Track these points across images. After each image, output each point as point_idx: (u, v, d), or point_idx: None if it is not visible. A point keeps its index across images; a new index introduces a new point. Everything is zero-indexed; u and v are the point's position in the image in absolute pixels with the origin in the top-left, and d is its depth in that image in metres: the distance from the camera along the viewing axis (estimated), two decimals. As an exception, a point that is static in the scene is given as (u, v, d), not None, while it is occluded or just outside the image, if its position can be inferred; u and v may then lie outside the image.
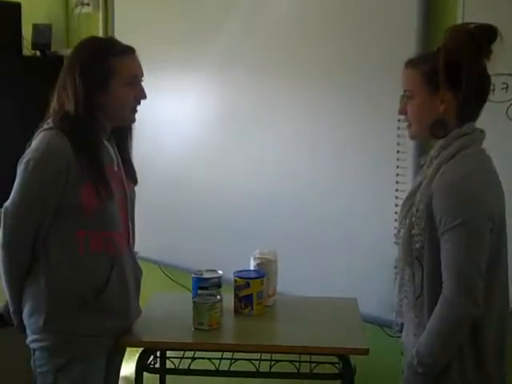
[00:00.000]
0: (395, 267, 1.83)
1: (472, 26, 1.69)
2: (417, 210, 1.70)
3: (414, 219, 1.71)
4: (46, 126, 1.94)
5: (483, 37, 1.66)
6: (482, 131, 1.74)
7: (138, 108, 2.04)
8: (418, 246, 1.70)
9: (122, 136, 2.11)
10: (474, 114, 1.73)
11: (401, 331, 1.88)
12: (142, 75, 2.03)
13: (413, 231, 1.71)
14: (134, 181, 2.16)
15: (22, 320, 1.99)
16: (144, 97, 2.02)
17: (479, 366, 1.67)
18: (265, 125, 2.90)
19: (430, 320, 1.66)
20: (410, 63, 1.77)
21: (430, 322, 1.66)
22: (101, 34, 3.62)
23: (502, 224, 1.69)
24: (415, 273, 1.74)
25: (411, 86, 1.75)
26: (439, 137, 1.72)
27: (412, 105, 1.76)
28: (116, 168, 2.04)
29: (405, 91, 1.78)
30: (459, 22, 2.23)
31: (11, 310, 2.01)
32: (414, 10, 2.35)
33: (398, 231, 1.81)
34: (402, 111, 1.80)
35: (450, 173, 1.66)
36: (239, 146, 3.00)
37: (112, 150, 2.04)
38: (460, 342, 1.65)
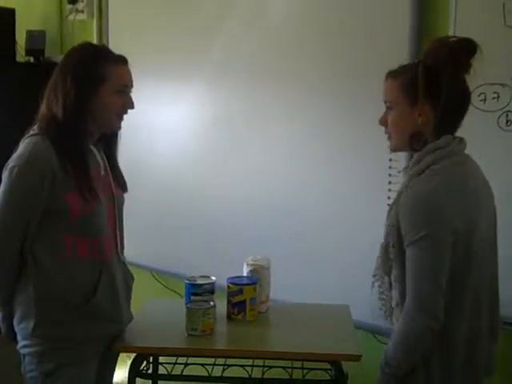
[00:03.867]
0: (374, 275, 1.84)
1: (452, 39, 1.70)
2: (391, 223, 1.73)
3: (388, 230, 1.74)
4: (31, 132, 1.95)
5: (463, 51, 1.67)
6: (460, 141, 1.74)
7: (130, 117, 2.04)
8: (391, 256, 1.73)
9: (109, 143, 2.11)
10: (451, 128, 1.73)
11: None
12: (132, 86, 2.03)
13: (388, 241, 1.74)
14: (124, 188, 2.16)
15: (10, 328, 1.99)
16: (132, 106, 2.03)
17: (446, 371, 1.69)
18: (258, 132, 2.91)
19: (396, 327, 1.70)
20: (391, 74, 1.78)
21: (396, 328, 1.70)
22: (95, 40, 3.62)
23: (469, 237, 1.67)
24: (393, 282, 1.76)
25: (391, 97, 1.77)
26: (417, 150, 1.73)
27: (392, 116, 1.77)
28: (103, 173, 2.04)
29: (385, 102, 1.79)
30: (451, 27, 2.26)
31: (0, 318, 2.01)
32: (407, 19, 2.37)
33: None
34: (382, 122, 1.80)
35: (415, 188, 1.67)
36: (233, 153, 3.01)
37: (99, 156, 2.04)
38: (422, 350, 1.66)
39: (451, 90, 1.66)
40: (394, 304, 1.76)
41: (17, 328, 1.97)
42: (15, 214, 1.89)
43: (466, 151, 1.77)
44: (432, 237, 1.62)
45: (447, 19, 2.30)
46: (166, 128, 3.28)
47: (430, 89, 1.67)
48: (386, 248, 1.75)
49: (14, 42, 3.69)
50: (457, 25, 2.25)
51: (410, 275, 1.66)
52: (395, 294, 1.75)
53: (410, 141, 1.74)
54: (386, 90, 1.79)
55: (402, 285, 1.71)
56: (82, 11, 3.74)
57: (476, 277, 1.70)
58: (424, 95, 1.68)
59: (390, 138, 1.81)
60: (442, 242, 1.63)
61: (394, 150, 1.86)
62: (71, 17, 3.80)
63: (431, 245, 1.63)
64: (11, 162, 1.90)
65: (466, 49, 1.67)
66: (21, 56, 3.80)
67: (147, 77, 3.09)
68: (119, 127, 2.07)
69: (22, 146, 1.93)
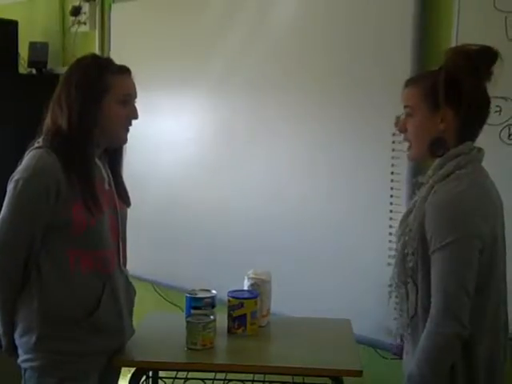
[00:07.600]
0: (389, 285, 1.82)
1: (472, 47, 1.69)
2: (410, 230, 1.71)
3: (406, 238, 1.71)
4: (36, 145, 1.94)
5: (483, 59, 1.67)
6: (479, 150, 1.74)
7: (130, 128, 2.04)
8: (411, 265, 1.70)
9: (114, 157, 2.11)
10: (473, 134, 1.74)
11: (395, 353, 1.87)
12: (136, 96, 2.04)
13: (405, 250, 1.71)
14: (127, 203, 2.15)
15: (11, 342, 1.97)
16: (136, 117, 2.02)
17: None
18: (259, 144, 2.91)
19: (420, 342, 1.64)
20: (410, 81, 1.78)
21: (419, 345, 1.64)
22: (97, 52, 3.63)
23: (494, 244, 1.68)
24: (410, 292, 1.74)
25: (412, 103, 1.75)
26: (438, 155, 1.73)
27: (412, 122, 1.76)
28: (107, 187, 2.04)
29: (405, 107, 1.77)
30: (453, 39, 2.26)
31: (1, 332, 1.99)
32: (409, 28, 2.38)
33: (396, 250, 1.81)
34: (402, 129, 1.79)
35: (442, 192, 1.66)
36: (235, 166, 3.01)
37: (103, 169, 2.03)
38: (450, 363, 1.63)
39: (472, 97, 1.66)
40: (410, 315, 1.73)
41: (18, 342, 1.95)
42: (20, 227, 1.88)
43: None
44: (460, 242, 1.60)
45: (450, 33, 2.30)
46: (167, 140, 3.28)
47: (451, 95, 1.67)
48: (403, 256, 1.73)
49: (16, 53, 3.72)
50: (459, 38, 2.25)
51: (436, 281, 1.62)
52: (412, 303, 1.72)
53: (431, 147, 1.73)
54: (406, 96, 1.77)
55: (424, 291, 1.68)
56: (85, 23, 3.75)
57: (496, 282, 1.70)
58: (445, 101, 1.68)
59: (409, 147, 1.80)
60: (471, 248, 1.61)
61: (413, 159, 1.86)
62: (73, 29, 3.81)
63: (460, 250, 1.61)
64: (16, 175, 1.89)
65: (485, 56, 1.67)
66: (23, 68, 3.81)
67: (149, 88, 3.09)
68: (125, 140, 2.06)
69: (27, 158, 1.92)
